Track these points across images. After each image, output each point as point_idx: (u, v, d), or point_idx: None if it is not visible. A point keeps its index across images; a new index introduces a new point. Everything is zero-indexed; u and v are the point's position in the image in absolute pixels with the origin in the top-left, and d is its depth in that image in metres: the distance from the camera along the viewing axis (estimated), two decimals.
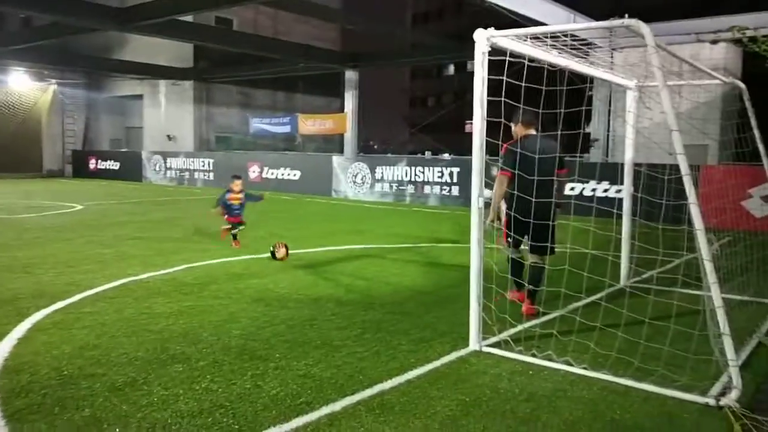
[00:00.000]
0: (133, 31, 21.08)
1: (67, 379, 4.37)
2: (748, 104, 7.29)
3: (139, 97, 33.23)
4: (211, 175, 26.27)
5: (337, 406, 3.99)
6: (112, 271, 8.06)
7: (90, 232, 11.79)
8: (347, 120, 26.00)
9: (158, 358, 4.82)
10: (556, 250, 6.27)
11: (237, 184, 10.58)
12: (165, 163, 28.13)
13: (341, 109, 29.47)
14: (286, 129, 27.20)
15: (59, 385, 4.25)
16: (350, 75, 27.04)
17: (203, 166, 26.69)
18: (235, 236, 10.48)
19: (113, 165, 30.56)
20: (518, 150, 6.02)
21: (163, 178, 28.15)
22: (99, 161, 31.39)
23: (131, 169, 29.18)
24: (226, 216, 10.47)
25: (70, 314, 6.03)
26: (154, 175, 28.53)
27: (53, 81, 31.68)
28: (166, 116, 32.10)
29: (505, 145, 6.18)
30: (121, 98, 34.44)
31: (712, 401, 4.07)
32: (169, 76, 30.92)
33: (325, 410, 3.92)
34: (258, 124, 27.98)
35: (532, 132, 6.35)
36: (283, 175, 23.74)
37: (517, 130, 6.36)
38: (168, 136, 31.73)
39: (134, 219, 14.20)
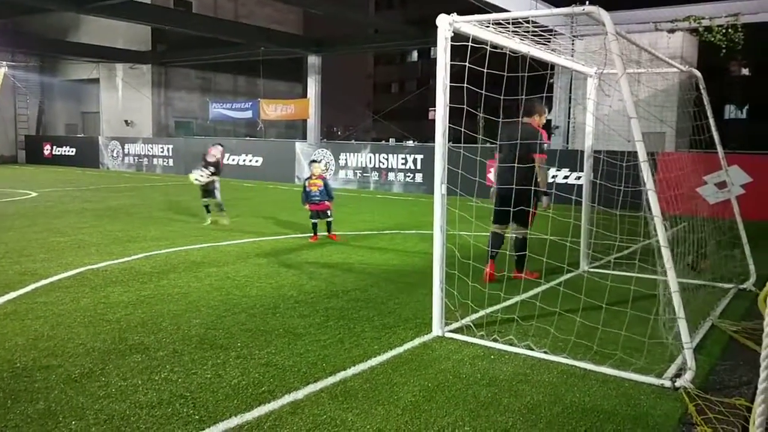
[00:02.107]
0: (89, 12, 20.49)
1: (20, 371, 4.24)
2: (703, 93, 7.46)
3: (96, 81, 32.38)
4: (171, 161, 25.78)
5: (299, 394, 3.96)
6: (68, 260, 7.86)
7: (45, 220, 11.46)
8: (310, 106, 25.79)
9: (116, 349, 4.72)
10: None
11: (317, 167, 9.91)
12: (123, 149, 27.49)
13: (304, 95, 29.23)
14: (248, 114, 26.83)
15: (12, 378, 4.12)
16: (313, 60, 26.81)
17: (162, 152, 26.17)
18: (315, 228, 9.82)
19: (69, 151, 29.74)
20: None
21: (121, 164, 27.52)
22: (54, 147, 30.51)
23: (88, 156, 28.45)
24: (307, 205, 9.79)
25: (23, 304, 5.85)
26: (111, 161, 27.88)
27: (3, 63, 30.55)
28: (124, 101, 31.36)
29: (544, 132, 7.04)
30: (76, 82, 33.49)
31: (667, 383, 4.18)
32: (126, 60, 30.19)
33: (288, 398, 3.89)
34: (218, 109, 27.52)
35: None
36: (244, 161, 23.44)
37: (542, 119, 6.95)
38: (126, 121, 31.03)
39: (91, 207, 13.86)
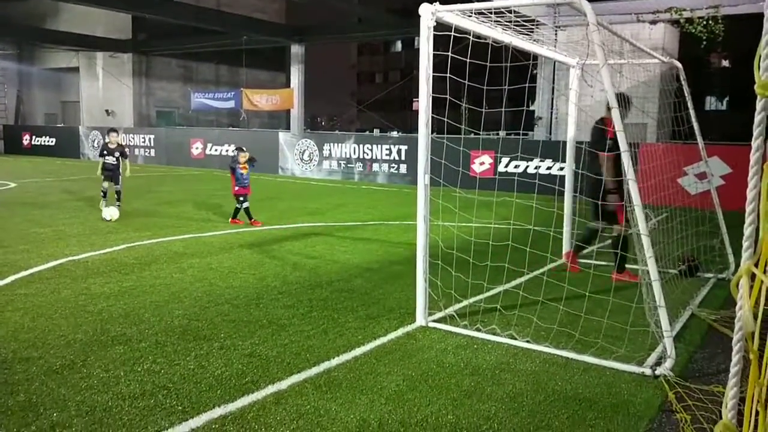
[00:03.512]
0: None
1: (0, 363, 4.20)
2: (684, 84, 7.52)
3: (75, 69, 31.90)
4: (152, 151, 25.53)
5: (283, 384, 3.97)
6: (48, 251, 7.77)
7: (25, 211, 11.31)
8: (293, 95, 25.63)
9: (98, 340, 4.68)
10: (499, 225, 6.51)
11: (243, 156, 10.53)
12: (104, 139, 27.13)
13: (287, 84, 29.04)
14: (230, 104, 26.58)
15: None
16: (296, 49, 26.60)
17: (144, 142, 25.90)
18: (237, 212, 10.45)
19: (49, 141, 29.31)
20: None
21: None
22: (33, 137, 30.03)
23: (68, 146, 28.06)
24: (237, 188, 10.34)
25: (2, 296, 5.78)
26: (92, 151, 27.52)
27: None
28: (104, 90, 30.95)
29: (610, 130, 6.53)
30: (56, 71, 32.97)
31: (648, 371, 4.23)
32: (106, 48, 29.77)
33: (272, 389, 3.89)
34: (200, 99, 27.22)
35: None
36: (227, 151, 23.24)
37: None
38: (106, 111, 30.64)
39: (72, 197, 13.70)
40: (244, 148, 10.95)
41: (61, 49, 30.69)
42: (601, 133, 6.69)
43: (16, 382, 3.90)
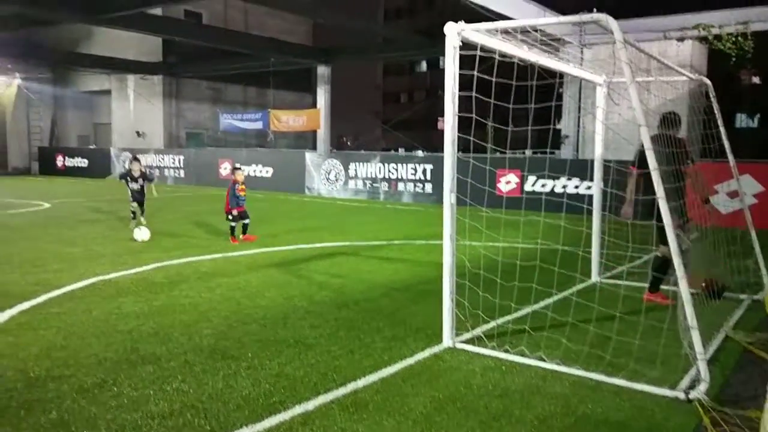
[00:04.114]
0: (100, 23, 20.72)
1: (33, 381, 4.27)
2: (713, 101, 7.43)
3: (107, 92, 32.64)
4: (182, 172, 25.93)
5: (310, 405, 3.96)
6: (80, 271, 7.91)
7: (58, 231, 11.55)
8: (320, 116, 25.87)
9: (128, 359, 4.74)
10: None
11: (240, 174, 10.82)
12: (128, 165, 27.61)
13: (313, 105, 29.34)
14: (258, 125, 26.94)
15: (25, 388, 4.15)
16: (322, 70, 26.92)
17: (173, 163, 26.33)
18: (234, 230, 10.64)
19: (82, 162, 29.97)
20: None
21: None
22: (67, 158, 30.75)
23: (100, 167, 28.64)
24: (234, 210, 10.53)
25: (36, 315, 5.89)
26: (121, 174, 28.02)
27: (17, 75, 30.90)
28: (135, 112, 31.59)
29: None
30: (88, 93, 33.78)
31: (681, 395, 4.14)
32: (137, 71, 30.44)
33: (299, 409, 3.89)
34: (229, 120, 27.66)
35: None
36: (255, 172, 23.52)
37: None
38: (137, 132, 31.24)
39: (103, 217, 13.96)
40: (241, 167, 11.28)
41: (93, 72, 31.47)
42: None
43: (49, 400, 3.96)
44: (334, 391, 4.19)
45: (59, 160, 30.99)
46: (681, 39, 17.20)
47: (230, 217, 10.57)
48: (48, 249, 9.51)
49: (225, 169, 24.17)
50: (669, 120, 6.58)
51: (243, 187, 10.72)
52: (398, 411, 3.91)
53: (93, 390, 4.14)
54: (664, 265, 6.57)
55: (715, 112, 7.34)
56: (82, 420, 3.69)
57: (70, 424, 3.64)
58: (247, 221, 10.77)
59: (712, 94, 7.47)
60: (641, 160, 6.13)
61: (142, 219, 11.73)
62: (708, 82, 7.55)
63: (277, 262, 8.77)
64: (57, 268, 8.08)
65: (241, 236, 10.67)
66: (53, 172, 30.74)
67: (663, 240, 6.48)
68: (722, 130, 7.28)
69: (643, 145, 6.48)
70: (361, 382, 4.35)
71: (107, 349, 4.96)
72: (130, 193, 12.08)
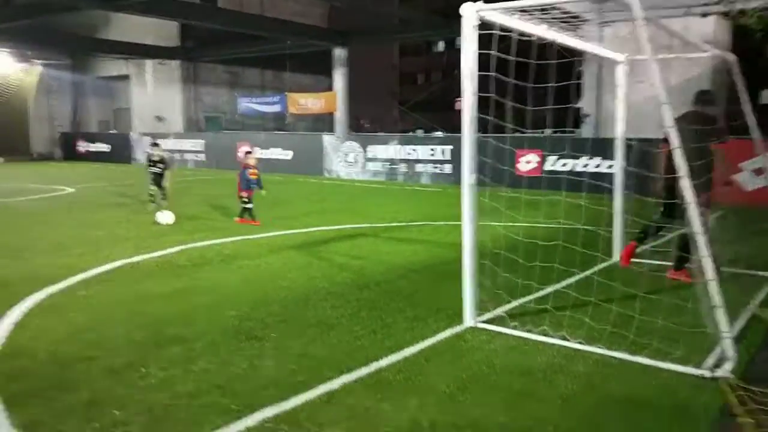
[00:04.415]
0: (118, 9, 20.81)
1: (64, 362, 4.37)
2: (738, 77, 7.28)
3: (126, 77, 32.82)
4: (202, 156, 26.08)
5: (334, 384, 4.01)
6: (105, 254, 8.03)
7: (82, 215, 11.71)
8: (337, 98, 25.82)
9: (154, 340, 4.82)
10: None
11: (252, 159, 10.93)
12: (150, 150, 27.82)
13: (330, 88, 29.27)
14: (276, 108, 26.99)
15: (56, 369, 4.25)
16: (339, 52, 26.81)
17: (193, 147, 26.48)
18: (251, 211, 10.78)
19: (103, 147, 30.27)
20: None
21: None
22: (88, 144, 31.08)
23: (121, 151, 28.91)
24: (245, 192, 10.71)
25: (64, 298, 6.01)
26: (143, 156, 28.28)
27: (38, 62, 31.18)
28: (154, 97, 31.76)
29: None
30: (108, 79, 33.97)
31: (707, 373, 4.12)
32: (155, 56, 30.55)
33: (323, 388, 3.94)
34: (247, 103, 27.74)
35: None
36: (274, 155, 23.60)
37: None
38: (157, 117, 31.43)
39: (126, 201, 14.12)
40: (252, 151, 11.47)
41: (112, 57, 31.65)
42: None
43: (79, 381, 4.05)
44: (357, 370, 4.23)
45: (81, 146, 31.34)
46: (704, 14, 16.84)
47: (245, 199, 10.72)
48: (73, 233, 9.66)
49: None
50: (700, 98, 6.51)
51: (255, 171, 10.84)
52: (421, 390, 3.94)
53: (121, 371, 4.22)
54: (688, 243, 6.52)
55: (740, 88, 7.20)
56: (112, 400, 3.78)
57: (101, 404, 3.72)
58: (249, 206, 10.89)
59: (735, 70, 7.32)
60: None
61: (162, 203, 11.84)
62: (732, 58, 7.40)
63: (297, 244, 8.83)
64: (82, 251, 8.21)
65: (236, 219, 10.81)
66: (75, 158, 31.12)
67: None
68: (747, 106, 7.14)
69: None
70: (384, 362, 4.39)
71: (134, 330, 5.05)
72: (151, 176, 12.28)
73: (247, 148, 11.72)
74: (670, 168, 5.79)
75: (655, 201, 6.69)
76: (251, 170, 10.79)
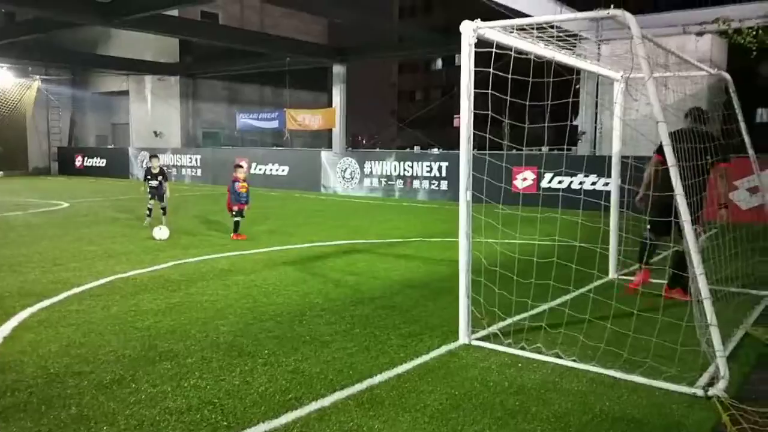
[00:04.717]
0: (118, 25, 20.87)
1: (53, 377, 4.33)
2: (733, 96, 7.33)
3: (125, 93, 32.93)
4: (199, 171, 26.12)
5: (326, 401, 3.98)
6: (99, 269, 7.99)
7: (76, 230, 11.68)
8: (335, 115, 25.90)
9: (146, 356, 4.78)
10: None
11: (241, 173, 10.92)
12: (149, 162, 27.86)
13: (329, 104, 29.37)
14: (274, 124, 27.02)
15: (46, 384, 4.21)
16: (338, 69, 26.92)
17: (191, 162, 26.53)
18: (237, 226, 10.79)
19: (100, 162, 30.30)
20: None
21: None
22: (85, 158, 31.12)
23: (118, 166, 28.94)
24: (235, 206, 10.72)
25: (56, 312, 5.97)
26: (141, 172, 28.27)
27: (37, 77, 31.28)
28: (153, 112, 31.85)
29: None
30: (106, 94, 34.11)
31: (700, 392, 4.10)
32: (154, 72, 30.68)
33: (315, 405, 3.91)
34: (245, 119, 27.77)
35: None
36: (271, 170, 23.64)
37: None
38: (155, 132, 31.49)
39: (121, 216, 14.09)
40: (242, 164, 11.36)
41: (111, 73, 31.79)
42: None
43: (69, 396, 4.01)
44: (350, 387, 4.20)
45: (78, 160, 31.36)
46: (700, 33, 16.98)
47: (234, 212, 10.76)
48: (67, 248, 9.63)
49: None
50: (695, 115, 6.55)
51: (244, 184, 10.84)
52: (414, 407, 3.91)
53: (112, 386, 4.18)
54: (682, 261, 6.51)
55: (735, 107, 7.24)
56: (102, 415, 3.74)
57: (90, 420, 3.68)
58: (241, 219, 10.90)
59: (731, 88, 7.37)
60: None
61: (162, 219, 11.84)
62: (728, 76, 7.45)
63: (293, 260, 8.80)
64: (76, 266, 8.18)
65: (232, 236, 10.76)
66: (72, 172, 31.12)
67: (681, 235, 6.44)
68: (742, 125, 7.18)
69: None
70: (377, 379, 4.36)
71: (125, 345, 5.01)
72: (147, 189, 12.31)
73: (243, 163, 11.68)
74: (659, 185, 5.81)
75: (645, 219, 6.72)
76: (240, 183, 10.80)
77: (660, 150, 6.33)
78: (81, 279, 7.39)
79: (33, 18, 21.63)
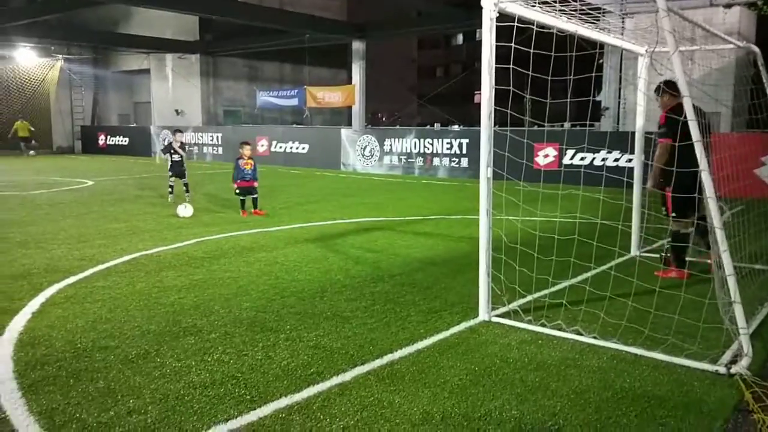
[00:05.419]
0: (138, 4, 20.97)
1: (81, 351, 4.43)
2: (762, 69, 7.15)
3: (146, 71, 33.11)
4: (220, 149, 26.26)
5: (347, 376, 4.02)
6: (123, 246, 8.12)
7: (101, 208, 11.85)
8: (355, 92, 25.80)
9: (170, 331, 4.87)
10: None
11: (247, 150, 11.09)
12: (172, 137, 28.09)
13: (348, 81, 29.26)
14: (294, 102, 27.03)
15: (73, 358, 4.31)
16: (357, 46, 26.77)
17: (212, 140, 26.67)
18: (243, 204, 10.94)
19: (122, 140, 30.61)
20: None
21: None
22: (108, 137, 31.45)
23: (140, 145, 29.21)
24: (238, 181, 10.90)
25: (83, 288, 6.09)
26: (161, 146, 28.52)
27: (60, 57, 31.55)
28: (174, 90, 32.01)
29: (662, 115, 6.33)
30: (128, 73, 34.34)
31: (722, 369, 4.07)
32: (175, 50, 30.77)
33: (336, 380, 3.95)
34: (265, 97, 27.80)
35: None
36: (291, 148, 23.68)
37: (669, 100, 6.40)
38: (176, 110, 31.67)
39: (144, 194, 14.26)
40: (249, 142, 11.55)
41: (132, 52, 31.94)
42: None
43: (96, 370, 4.11)
44: (370, 362, 4.24)
45: (101, 139, 31.71)
46: (728, 5, 16.55)
47: (237, 191, 10.90)
48: (92, 225, 9.78)
49: (262, 146, 24.39)
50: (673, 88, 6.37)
51: (249, 161, 11.00)
52: (434, 382, 3.94)
53: (137, 360, 4.27)
54: (678, 238, 6.45)
55: (764, 80, 7.07)
56: (128, 389, 3.82)
57: (116, 393, 3.77)
58: (255, 196, 11.05)
59: (760, 62, 7.18)
60: (675, 130, 5.92)
61: (186, 196, 11.99)
62: (756, 49, 7.27)
63: (314, 237, 8.86)
64: (101, 243, 8.31)
65: (252, 210, 10.95)
66: (95, 151, 31.51)
67: (677, 212, 6.34)
68: None
69: (668, 117, 6.28)
70: (397, 354, 4.40)
71: (150, 321, 5.10)
72: (169, 165, 12.51)
73: (244, 141, 11.80)
74: (682, 164, 5.68)
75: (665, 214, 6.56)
76: (245, 161, 10.93)
77: (664, 134, 6.22)
78: (106, 256, 7.52)
79: None
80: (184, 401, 3.67)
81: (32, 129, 29.39)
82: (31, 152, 29.18)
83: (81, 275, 6.60)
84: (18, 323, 5.03)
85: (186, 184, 12.41)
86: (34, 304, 5.54)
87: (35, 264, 7.09)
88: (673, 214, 6.40)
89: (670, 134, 6.08)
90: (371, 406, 3.61)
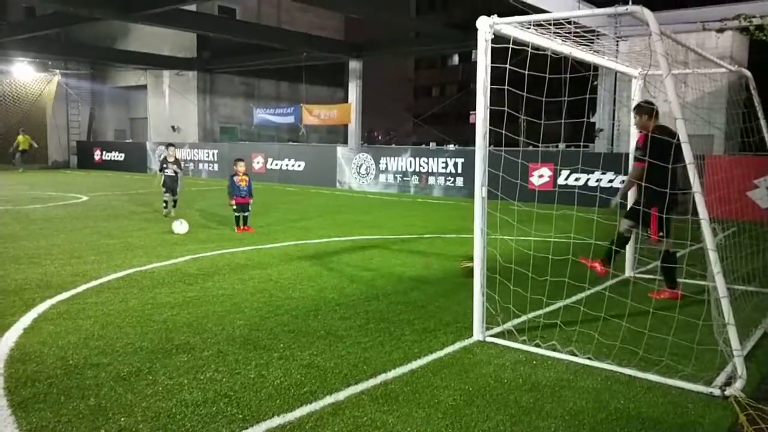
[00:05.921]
0: (136, 20, 21.07)
1: (72, 368, 4.39)
2: (754, 93, 7.23)
3: (143, 87, 33.21)
4: (216, 166, 26.27)
5: (341, 395, 4.00)
6: (117, 262, 8.09)
7: (95, 223, 11.82)
8: (351, 110, 25.93)
9: (163, 348, 4.84)
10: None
11: (241, 166, 11.15)
12: (165, 152, 28.10)
13: (345, 100, 29.41)
14: (290, 119, 27.14)
15: (65, 375, 4.27)
16: (354, 65, 26.97)
17: (207, 156, 26.69)
18: (238, 221, 10.98)
19: (118, 156, 30.59)
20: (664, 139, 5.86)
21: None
22: (104, 152, 31.44)
23: (136, 160, 29.20)
24: (234, 197, 10.92)
25: (75, 304, 6.05)
26: (158, 165, 28.52)
27: (57, 71, 31.64)
28: (171, 107, 32.09)
29: (641, 136, 6.38)
30: (125, 89, 34.43)
31: (716, 391, 4.07)
32: (172, 66, 30.90)
33: (329, 400, 3.93)
34: (262, 114, 27.92)
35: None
36: (287, 166, 23.72)
37: (650, 122, 6.43)
38: (172, 127, 31.72)
39: (139, 210, 14.23)
40: (243, 159, 11.61)
41: (130, 68, 32.07)
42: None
43: (87, 387, 4.07)
44: (364, 382, 4.22)
45: (97, 154, 31.69)
46: (720, 30, 16.78)
47: (234, 207, 10.95)
48: (86, 241, 9.74)
49: (258, 163, 24.41)
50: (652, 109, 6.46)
51: (243, 177, 11.06)
52: (428, 403, 3.92)
53: (129, 378, 4.24)
54: (668, 258, 6.48)
55: (756, 104, 7.15)
56: (119, 407, 3.79)
57: (108, 411, 3.73)
58: (246, 213, 11.08)
59: (752, 85, 7.27)
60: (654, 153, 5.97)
61: (172, 211, 12.00)
62: (748, 73, 7.36)
63: (308, 255, 8.84)
64: (95, 259, 8.28)
65: (243, 226, 11.01)
66: (91, 166, 31.46)
67: (663, 232, 6.38)
68: (763, 122, 7.09)
69: (650, 139, 6.31)
70: (391, 374, 4.38)
71: (143, 338, 5.07)
72: (163, 180, 12.59)
73: (238, 158, 11.87)
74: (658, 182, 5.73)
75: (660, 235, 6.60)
76: (240, 177, 11.00)
77: (640, 158, 6.28)
78: (99, 272, 7.48)
79: (52, 12, 21.87)
80: (176, 420, 3.63)
81: (33, 144, 29.21)
82: (20, 169, 28.97)
83: (74, 291, 6.56)
84: (9, 339, 4.99)
85: (175, 200, 12.45)
86: (26, 320, 5.50)
87: (28, 279, 7.05)
88: (660, 234, 6.43)
89: (647, 157, 6.09)
90: (364, 426, 3.59)
